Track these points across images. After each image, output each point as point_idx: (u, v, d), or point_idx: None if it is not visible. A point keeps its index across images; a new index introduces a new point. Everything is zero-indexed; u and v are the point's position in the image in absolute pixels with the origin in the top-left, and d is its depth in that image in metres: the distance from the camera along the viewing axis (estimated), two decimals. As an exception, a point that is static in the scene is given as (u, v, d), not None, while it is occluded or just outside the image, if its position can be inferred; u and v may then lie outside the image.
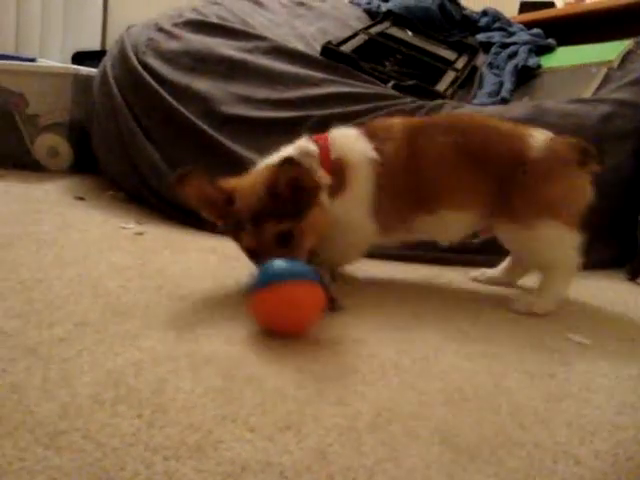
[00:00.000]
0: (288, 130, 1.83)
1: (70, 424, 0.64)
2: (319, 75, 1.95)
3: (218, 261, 1.41)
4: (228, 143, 1.81)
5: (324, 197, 1.20)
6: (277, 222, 1.11)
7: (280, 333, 0.97)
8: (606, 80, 2.19)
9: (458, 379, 0.89)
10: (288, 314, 0.97)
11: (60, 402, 0.69)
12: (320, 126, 1.83)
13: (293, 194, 1.11)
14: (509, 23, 2.90)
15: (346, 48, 2.18)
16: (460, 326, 1.13)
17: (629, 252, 1.76)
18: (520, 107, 1.96)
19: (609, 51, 2.37)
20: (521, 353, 1.03)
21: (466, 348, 1.02)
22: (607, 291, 1.50)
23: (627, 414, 0.83)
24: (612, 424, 0.80)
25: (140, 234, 1.58)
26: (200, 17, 2.18)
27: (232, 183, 1.17)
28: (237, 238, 1.16)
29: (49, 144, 2.43)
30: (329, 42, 2.12)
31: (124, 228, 1.62)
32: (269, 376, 0.82)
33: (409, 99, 1.92)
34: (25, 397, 0.69)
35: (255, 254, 1.15)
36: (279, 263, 0.99)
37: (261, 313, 0.99)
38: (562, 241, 1.24)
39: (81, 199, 1.97)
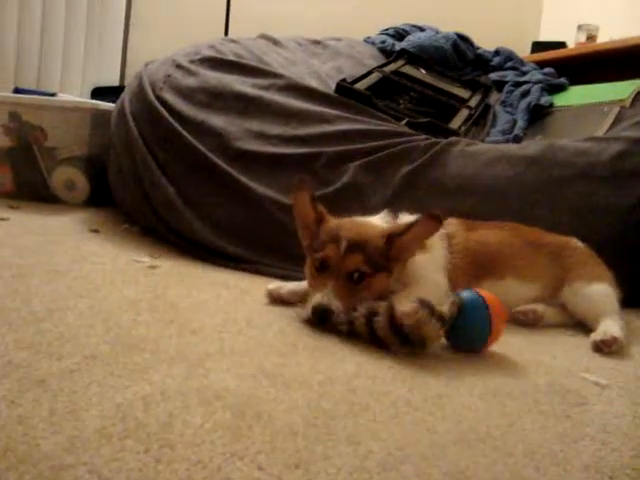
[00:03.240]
0: (301, 166, 1.85)
1: (76, 458, 0.64)
2: (333, 112, 1.97)
3: (230, 295, 1.41)
4: (242, 178, 1.82)
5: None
6: (365, 262, 1.25)
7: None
8: (618, 119, 2.19)
9: (471, 418, 0.87)
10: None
11: (67, 435, 0.68)
12: (333, 162, 1.85)
13: (393, 252, 1.29)
14: (522, 62, 2.93)
15: (360, 86, 2.20)
16: (473, 364, 1.11)
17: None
18: (534, 145, 1.97)
19: (621, 90, 2.38)
20: (535, 393, 1.01)
21: (479, 387, 1.00)
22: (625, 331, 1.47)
23: (646, 457, 0.81)
24: (631, 467, 0.78)
25: (153, 267, 1.58)
26: (217, 54, 2.22)
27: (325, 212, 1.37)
28: (319, 248, 1.28)
29: (66, 177, 2.46)
30: (343, 80, 2.15)
31: (137, 261, 1.62)
32: (279, 413, 0.81)
33: (422, 136, 1.92)
34: (32, 429, 0.68)
35: (324, 267, 1.27)
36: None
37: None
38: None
39: (96, 232, 1.98)
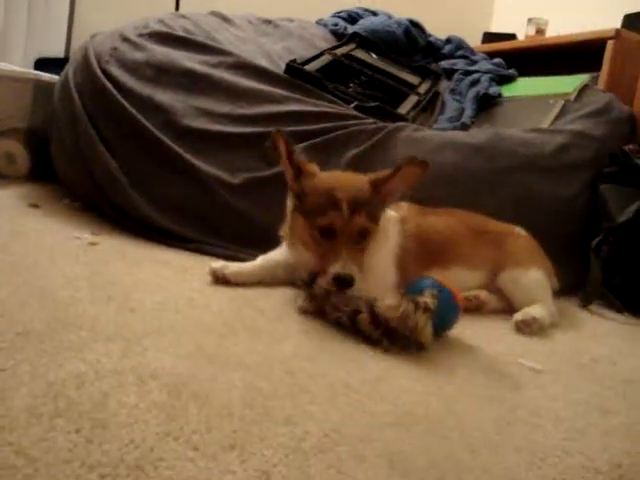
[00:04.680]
0: (248, 145, 1.83)
1: (2, 438, 0.62)
2: (282, 92, 1.95)
3: (172, 274, 1.39)
4: (187, 156, 1.79)
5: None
6: (368, 218, 1.25)
7: None
8: (563, 112, 2.24)
9: (408, 401, 0.89)
10: None
11: (-6, 415, 0.66)
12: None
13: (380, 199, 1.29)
14: (472, 52, 2.95)
15: (310, 67, 2.18)
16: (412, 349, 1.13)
17: (582, 280, 1.79)
18: (481, 133, 1.99)
19: (567, 84, 2.44)
20: (472, 377, 1.03)
21: (416, 371, 1.02)
22: (561, 318, 1.51)
23: (575, 439, 0.84)
24: (561, 449, 0.80)
25: (94, 244, 1.54)
26: (166, 29, 2.16)
27: (308, 164, 1.34)
28: (318, 212, 1.24)
29: (6, 150, 2.37)
30: (293, 60, 2.13)
31: (78, 238, 1.58)
32: (216, 393, 0.81)
33: (370, 120, 1.93)
34: (-43, 408, 0.66)
35: (330, 233, 1.24)
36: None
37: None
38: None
39: (36, 207, 1.92)
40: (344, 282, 1.20)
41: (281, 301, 1.30)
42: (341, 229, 1.24)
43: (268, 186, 1.77)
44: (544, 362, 1.15)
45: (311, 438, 0.73)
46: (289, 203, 1.40)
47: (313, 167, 1.35)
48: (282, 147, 1.33)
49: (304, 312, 1.23)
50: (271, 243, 1.70)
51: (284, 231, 1.42)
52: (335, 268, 1.21)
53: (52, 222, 1.74)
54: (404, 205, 1.52)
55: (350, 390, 0.89)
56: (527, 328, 1.35)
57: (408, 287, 1.23)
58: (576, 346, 1.32)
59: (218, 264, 1.39)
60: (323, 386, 0.89)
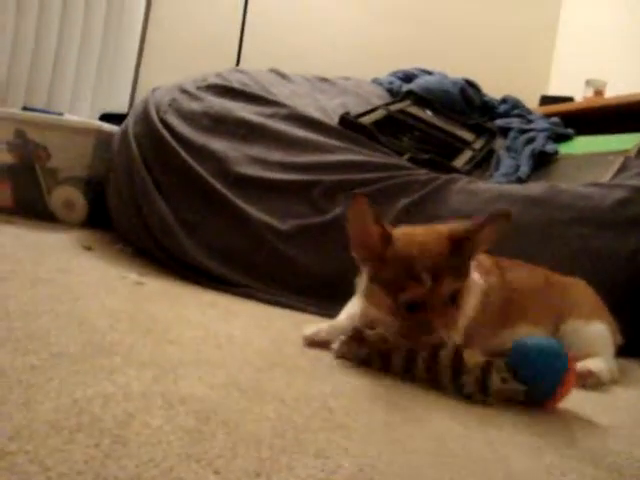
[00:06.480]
0: (298, 193, 1.83)
1: (19, 446, 0.59)
2: (334, 143, 1.96)
3: (215, 314, 1.37)
4: (238, 202, 1.80)
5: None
6: (455, 279, 1.12)
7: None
8: (623, 168, 2.17)
9: (450, 443, 0.83)
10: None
11: (14, 424, 0.64)
12: (331, 191, 1.83)
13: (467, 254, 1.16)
14: (528, 111, 2.93)
15: (364, 120, 2.20)
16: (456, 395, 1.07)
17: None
18: (536, 186, 1.95)
19: (626, 141, 2.38)
20: (520, 425, 0.96)
21: (461, 415, 0.95)
22: (622, 376, 1.41)
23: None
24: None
25: (140, 284, 1.54)
26: (223, 82, 2.23)
27: (391, 229, 1.18)
28: (396, 286, 1.11)
29: (65, 197, 2.45)
30: (347, 112, 2.15)
31: (125, 277, 1.59)
32: (246, 422, 0.77)
33: (423, 171, 1.91)
34: (-22, 416, 0.64)
35: (418, 307, 1.10)
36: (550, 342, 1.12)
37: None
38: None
39: (89, 249, 1.95)
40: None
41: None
42: (427, 298, 1.10)
43: (317, 233, 1.76)
44: (603, 416, 1.06)
45: (343, 472, 0.68)
46: (365, 271, 1.23)
47: (393, 230, 1.18)
48: (366, 210, 1.13)
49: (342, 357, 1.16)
50: (317, 290, 1.68)
51: (362, 291, 1.25)
52: (430, 341, 1.08)
53: (102, 263, 1.76)
54: (484, 259, 1.38)
55: (389, 428, 0.84)
56: (582, 381, 1.25)
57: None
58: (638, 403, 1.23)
59: (309, 330, 1.26)
60: (360, 423, 0.84)
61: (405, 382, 1.07)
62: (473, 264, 1.24)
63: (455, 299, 1.13)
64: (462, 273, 1.16)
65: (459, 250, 1.14)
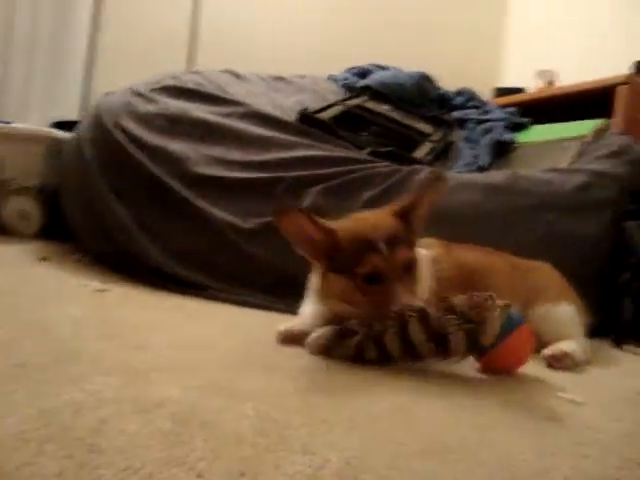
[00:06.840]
0: (261, 191, 1.80)
1: (-17, 462, 0.55)
2: (294, 139, 1.94)
3: (183, 317, 1.33)
4: (199, 203, 1.76)
5: None
6: (408, 248, 1.17)
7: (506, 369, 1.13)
8: (580, 153, 2.20)
9: (436, 430, 0.80)
10: (526, 353, 1.13)
11: (-23, 439, 0.59)
12: (293, 187, 1.80)
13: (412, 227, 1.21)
14: (484, 102, 2.95)
15: (322, 116, 2.18)
16: (437, 379, 1.05)
17: (612, 321, 1.70)
18: (498, 174, 1.96)
19: (582, 128, 2.41)
20: (506, 408, 0.94)
21: (443, 402, 0.93)
22: (594, 356, 1.42)
23: (631, 469, 0.75)
24: (614, 478, 0.71)
25: (102, 291, 1.49)
26: (178, 83, 2.18)
27: (333, 225, 1.19)
28: (354, 264, 1.13)
29: (19, 207, 2.36)
30: (305, 109, 2.12)
31: (86, 285, 1.53)
32: (226, 422, 0.73)
33: (385, 163, 1.89)
34: (-62, 433, 0.60)
35: (377, 277, 1.13)
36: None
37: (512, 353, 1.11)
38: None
39: (44, 260, 1.88)
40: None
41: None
42: (386, 268, 1.12)
43: (279, 230, 1.73)
44: (585, 396, 1.06)
45: (331, 466, 0.65)
46: (316, 267, 1.25)
47: (329, 223, 1.20)
48: (303, 221, 1.16)
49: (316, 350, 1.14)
50: (283, 287, 1.64)
51: (318, 292, 1.25)
52: (396, 305, 1.09)
53: (61, 272, 1.70)
54: (433, 241, 1.43)
55: (372, 420, 0.81)
56: (558, 363, 1.26)
57: None
58: (617, 381, 1.23)
59: (283, 326, 1.23)
60: (343, 417, 0.81)
61: (386, 370, 1.04)
62: (419, 242, 1.28)
63: (410, 271, 1.17)
64: (412, 243, 1.21)
65: (405, 222, 1.20)
